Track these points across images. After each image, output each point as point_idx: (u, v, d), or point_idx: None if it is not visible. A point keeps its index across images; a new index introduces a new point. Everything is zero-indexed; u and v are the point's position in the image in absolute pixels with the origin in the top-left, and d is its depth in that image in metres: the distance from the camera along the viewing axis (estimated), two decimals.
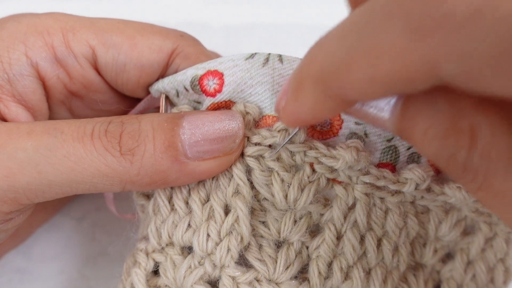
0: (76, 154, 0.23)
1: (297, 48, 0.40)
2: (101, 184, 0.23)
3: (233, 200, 0.24)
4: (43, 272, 0.33)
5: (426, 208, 0.25)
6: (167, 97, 0.27)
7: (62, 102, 0.27)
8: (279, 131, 0.23)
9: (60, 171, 0.22)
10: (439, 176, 0.25)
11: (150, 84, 0.27)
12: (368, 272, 0.25)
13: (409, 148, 0.24)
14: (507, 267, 0.26)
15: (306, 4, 0.41)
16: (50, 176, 0.22)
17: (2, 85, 0.25)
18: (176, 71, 0.26)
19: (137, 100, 0.28)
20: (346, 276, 0.25)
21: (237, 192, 0.24)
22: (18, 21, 0.25)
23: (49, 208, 0.32)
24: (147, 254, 0.25)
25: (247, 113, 0.24)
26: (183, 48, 0.26)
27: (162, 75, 0.26)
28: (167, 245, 0.25)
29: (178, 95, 0.25)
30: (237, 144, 0.24)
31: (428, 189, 0.24)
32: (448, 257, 0.27)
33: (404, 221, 0.25)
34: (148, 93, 0.27)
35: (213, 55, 0.27)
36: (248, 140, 0.24)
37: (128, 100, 0.28)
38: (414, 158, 0.24)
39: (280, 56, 0.23)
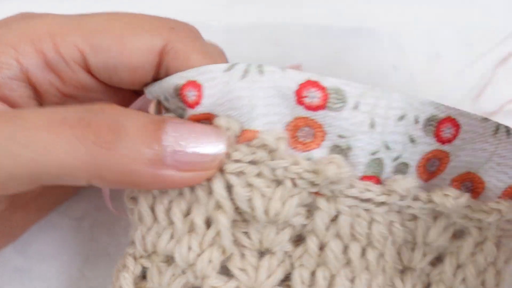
0: (40, 143, 0.21)
1: (297, 48, 0.40)
2: (67, 177, 0.22)
3: (214, 213, 0.24)
4: (43, 272, 0.32)
5: (413, 215, 0.25)
6: (159, 102, 0.26)
7: (57, 104, 0.27)
8: (258, 147, 0.23)
9: (20, 163, 0.21)
10: (428, 183, 0.25)
11: (146, 82, 0.26)
12: (352, 280, 0.25)
13: (396, 159, 0.24)
14: (498, 270, 0.26)
15: (306, 4, 0.41)
16: (9, 168, 0.21)
17: None
18: (167, 71, 0.25)
19: (137, 93, 0.28)
20: (330, 285, 0.24)
21: (218, 206, 0.24)
22: (9, 27, 0.25)
23: (44, 205, 0.31)
24: (135, 259, 0.26)
25: (228, 128, 0.23)
26: (173, 45, 0.25)
27: (157, 73, 0.26)
28: (153, 252, 0.25)
29: (167, 100, 0.25)
30: (217, 163, 0.23)
31: (415, 198, 0.25)
32: (437, 259, 0.26)
33: (389, 230, 0.25)
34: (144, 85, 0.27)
35: (210, 48, 0.27)
36: (228, 157, 0.23)
37: (127, 93, 0.28)
38: (401, 169, 0.25)
39: (260, 67, 0.23)
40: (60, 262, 0.33)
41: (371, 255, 0.25)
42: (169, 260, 0.25)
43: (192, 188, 0.24)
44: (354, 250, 0.24)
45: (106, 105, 0.23)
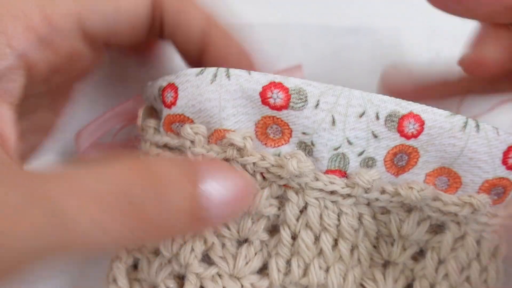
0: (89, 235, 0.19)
1: (297, 48, 0.40)
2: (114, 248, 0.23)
3: None
4: (44, 272, 0.33)
5: (385, 209, 0.26)
6: (151, 107, 0.28)
7: (42, 82, 0.25)
8: (229, 145, 0.25)
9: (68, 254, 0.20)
10: (399, 177, 0.26)
11: (143, 35, 0.27)
12: (326, 270, 0.26)
13: (361, 154, 0.25)
14: (484, 266, 0.27)
15: (306, 3, 0.41)
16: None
17: None
18: (161, 20, 0.26)
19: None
20: (304, 273, 0.26)
21: None
22: None
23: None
24: (127, 251, 0.27)
25: (196, 133, 0.25)
26: None
27: (152, 24, 0.26)
28: (142, 245, 0.27)
29: (156, 100, 0.27)
30: (249, 207, 0.25)
31: (383, 191, 0.26)
32: (421, 254, 0.27)
33: (360, 222, 0.26)
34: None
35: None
36: (202, 157, 0.25)
37: (121, 58, 0.28)
38: (369, 163, 0.26)
39: (227, 71, 0.24)
40: (62, 261, 0.33)
41: (343, 246, 0.26)
42: (157, 251, 0.27)
43: None
44: (325, 241, 0.26)
45: (141, 175, 0.21)
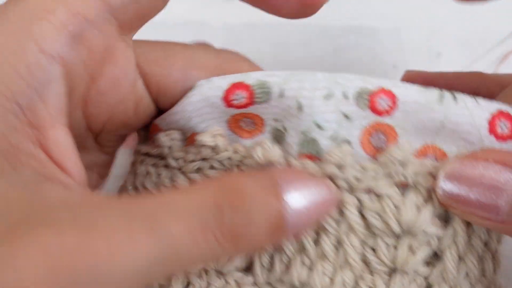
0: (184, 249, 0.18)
1: (297, 48, 0.40)
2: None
3: None
4: None
5: (375, 194, 0.24)
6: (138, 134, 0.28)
7: (82, 97, 0.23)
8: (201, 146, 0.25)
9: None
10: (375, 157, 0.24)
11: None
12: (310, 268, 0.24)
13: (333, 137, 0.24)
14: (493, 252, 0.25)
15: None
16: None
17: (31, 106, 0.19)
18: None
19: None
20: (287, 269, 0.24)
21: None
22: (6, 17, 0.20)
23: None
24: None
25: (172, 139, 0.25)
26: None
27: None
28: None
29: None
30: (333, 207, 0.23)
31: (363, 168, 0.24)
32: (435, 258, 0.24)
33: (340, 212, 0.24)
34: None
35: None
36: (184, 160, 0.25)
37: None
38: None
39: None
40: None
41: (324, 241, 0.24)
42: None
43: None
44: (306, 235, 0.24)
45: (225, 194, 0.20)
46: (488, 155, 0.22)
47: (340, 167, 0.23)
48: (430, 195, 0.24)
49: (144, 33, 0.36)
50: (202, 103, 0.24)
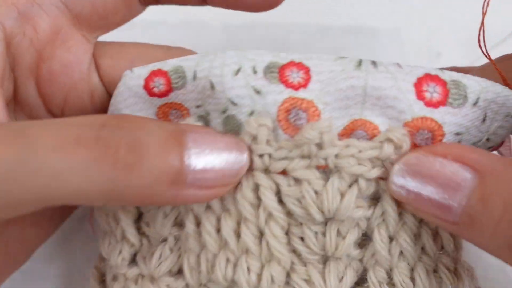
0: (52, 168, 0.18)
1: (297, 47, 0.40)
2: (82, 200, 0.20)
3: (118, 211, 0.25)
4: (45, 273, 0.33)
5: (292, 178, 0.22)
6: None
7: (30, 72, 0.25)
8: None
9: (31, 189, 0.19)
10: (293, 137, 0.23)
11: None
12: (234, 264, 0.23)
13: (251, 114, 0.22)
14: (434, 229, 0.23)
15: (305, 3, 0.41)
16: (19, 195, 0.19)
17: None
18: None
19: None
20: (211, 269, 0.23)
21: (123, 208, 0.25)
22: None
23: (45, 226, 0.28)
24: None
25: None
26: None
27: None
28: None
29: None
30: (239, 178, 0.22)
31: (280, 147, 0.22)
32: (368, 239, 0.23)
33: (257, 197, 0.22)
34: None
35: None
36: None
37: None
38: None
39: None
40: (62, 263, 0.33)
41: (244, 232, 0.22)
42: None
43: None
44: (225, 224, 0.22)
45: (122, 118, 0.21)
46: (447, 151, 0.21)
47: (255, 139, 0.22)
48: (354, 178, 0.22)
49: (144, 33, 0.36)
50: (127, 93, 0.24)
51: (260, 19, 0.40)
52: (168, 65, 0.23)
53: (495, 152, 0.26)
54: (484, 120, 0.22)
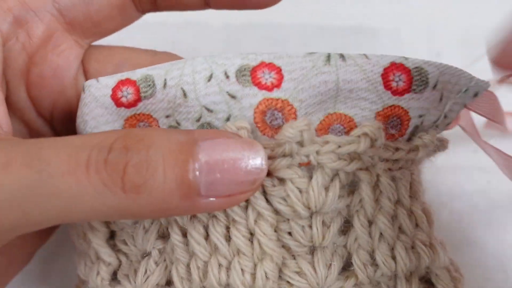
0: (67, 191, 0.19)
1: (297, 48, 0.40)
2: (98, 218, 0.21)
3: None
4: (45, 273, 0.33)
5: (278, 179, 0.23)
6: None
7: (21, 75, 0.25)
8: None
9: (48, 210, 0.19)
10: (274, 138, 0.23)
11: (125, 7, 0.26)
12: (227, 268, 0.23)
13: (228, 119, 0.23)
14: (408, 208, 0.24)
15: (305, 3, 0.41)
16: (36, 217, 0.19)
17: None
18: None
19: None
20: (203, 276, 0.23)
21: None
22: None
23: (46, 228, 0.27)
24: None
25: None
26: None
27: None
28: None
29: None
30: (258, 185, 0.21)
31: (265, 146, 0.23)
32: (348, 226, 0.24)
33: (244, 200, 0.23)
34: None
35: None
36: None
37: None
38: None
39: (84, 84, 0.24)
40: (61, 263, 0.33)
41: (235, 235, 0.23)
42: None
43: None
44: (213, 230, 0.23)
45: (130, 137, 0.20)
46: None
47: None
48: (335, 172, 0.23)
49: (144, 33, 0.36)
50: (94, 104, 0.23)
51: (260, 19, 0.40)
52: (136, 74, 0.23)
53: (457, 127, 0.27)
54: (441, 99, 0.23)
